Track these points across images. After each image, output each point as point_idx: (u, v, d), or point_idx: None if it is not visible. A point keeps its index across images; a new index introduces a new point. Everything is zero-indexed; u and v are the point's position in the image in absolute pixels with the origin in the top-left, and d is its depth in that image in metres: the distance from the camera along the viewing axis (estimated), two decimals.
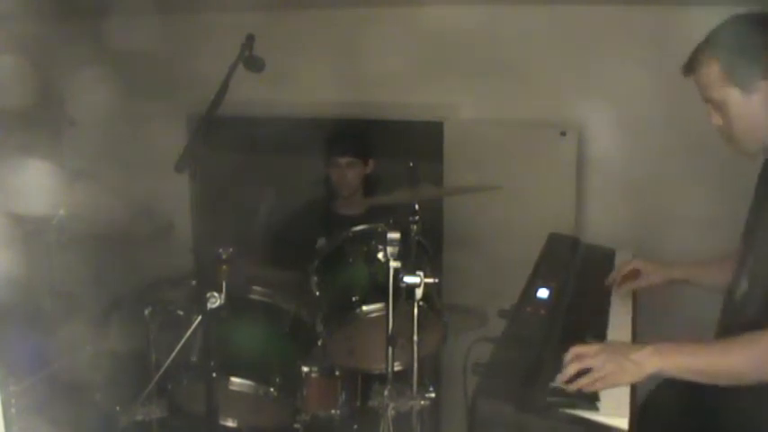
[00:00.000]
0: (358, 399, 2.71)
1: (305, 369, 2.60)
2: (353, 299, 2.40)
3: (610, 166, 3.33)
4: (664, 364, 1.67)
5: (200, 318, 2.28)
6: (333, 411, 2.64)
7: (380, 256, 2.25)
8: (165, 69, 3.80)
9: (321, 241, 2.99)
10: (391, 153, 3.24)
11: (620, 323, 2.05)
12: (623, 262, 2.39)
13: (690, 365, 1.67)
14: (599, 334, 1.95)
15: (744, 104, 1.78)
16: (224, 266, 2.51)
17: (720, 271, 2.10)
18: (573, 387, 1.65)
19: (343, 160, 3.29)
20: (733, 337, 1.69)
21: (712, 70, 1.80)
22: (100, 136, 3.68)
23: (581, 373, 1.67)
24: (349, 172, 3.30)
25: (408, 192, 2.39)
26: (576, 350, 1.73)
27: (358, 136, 3.42)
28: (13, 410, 2.44)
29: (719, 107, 1.83)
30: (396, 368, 2.28)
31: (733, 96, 1.79)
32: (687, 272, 2.30)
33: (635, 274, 2.31)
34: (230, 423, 2.60)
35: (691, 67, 1.87)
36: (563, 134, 3.32)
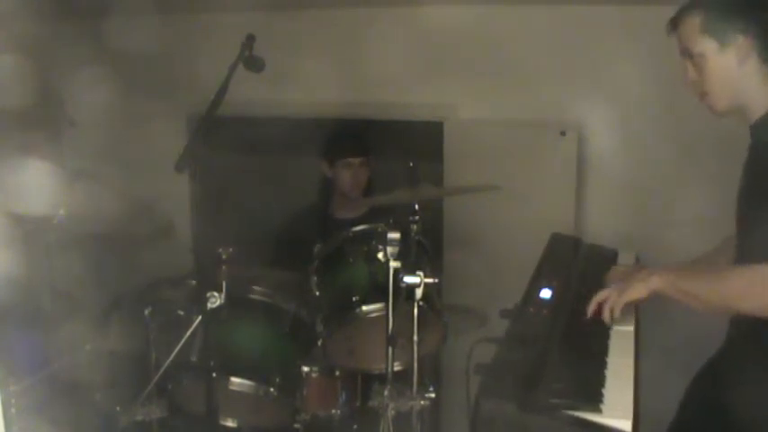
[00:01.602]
0: (358, 399, 2.71)
1: (305, 369, 2.59)
2: (353, 299, 2.40)
3: (610, 166, 3.32)
4: (663, 283, 1.88)
5: (200, 318, 2.28)
6: (333, 411, 2.64)
7: (380, 256, 2.25)
8: (165, 69, 3.80)
9: (319, 247, 2.98)
10: (391, 153, 3.23)
11: (623, 322, 2.05)
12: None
13: (687, 288, 1.85)
14: (602, 334, 1.96)
15: (720, 57, 1.91)
16: (224, 266, 2.51)
17: (716, 262, 2.13)
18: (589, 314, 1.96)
19: (357, 160, 3.28)
20: (730, 267, 1.88)
21: (694, 23, 1.92)
22: (100, 136, 3.68)
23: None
24: (361, 171, 3.30)
25: (408, 192, 2.38)
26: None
27: (364, 135, 3.43)
28: (13, 410, 2.43)
29: (697, 61, 1.94)
30: (396, 368, 2.28)
31: (710, 48, 1.91)
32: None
33: None
34: (230, 423, 2.60)
35: (675, 22, 1.99)
36: (563, 134, 3.32)
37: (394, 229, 2.21)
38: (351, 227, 2.52)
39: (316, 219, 3.37)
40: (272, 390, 2.52)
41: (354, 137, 3.39)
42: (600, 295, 1.99)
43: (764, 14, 1.89)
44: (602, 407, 1.59)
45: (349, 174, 3.29)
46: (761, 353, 1.86)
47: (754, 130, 1.95)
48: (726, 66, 1.90)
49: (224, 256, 2.52)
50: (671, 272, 1.91)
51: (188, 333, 2.40)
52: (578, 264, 2.48)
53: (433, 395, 2.28)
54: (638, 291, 1.92)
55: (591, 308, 1.99)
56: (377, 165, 3.39)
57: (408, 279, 2.14)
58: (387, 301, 2.20)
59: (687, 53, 1.96)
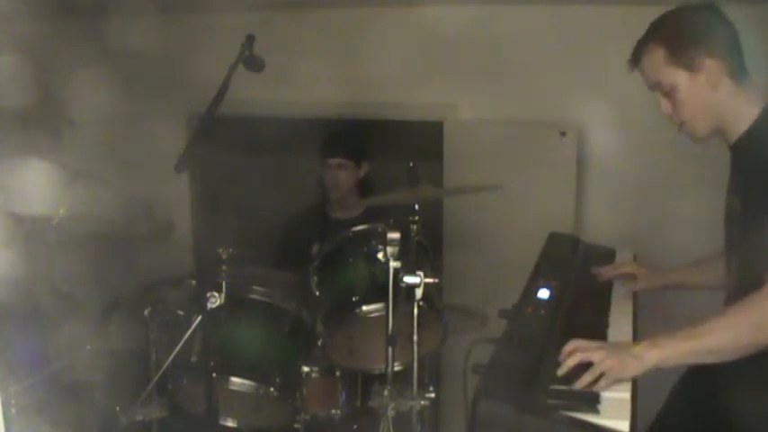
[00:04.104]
0: (358, 399, 2.71)
1: (305, 369, 2.60)
2: (353, 299, 2.40)
3: (610, 166, 3.33)
4: (662, 354, 1.67)
5: (200, 318, 2.28)
6: (333, 411, 2.64)
7: (380, 256, 2.24)
8: (165, 69, 3.80)
9: (316, 247, 2.98)
10: (391, 153, 3.23)
11: (620, 323, 2.05)
12: (621, 262, 2.41)
13: (687, 350, 1.69)
14: (599, 334, 1.95)
15: (691, 85, 1.87)
16: (224, 266, 2.51)
17: (713, 268, 2.12)
18: (577, 385, 1.66)
19: (334, 161, 3.25)
20: (719, 314, 1.72)
21: (659, 55, 1.89)
22: (100, 136, 3.68)
23: (580, 369, 1.68)
24: (340, 174, 3.26)
25: (408, 192, 2.39)
26: (574, 343, 1.74)
27: (350, 137, 3.39)
28: (13, 410, 2.44)
29: (668, 92, 1.90)
30: (396, 368, 2.28)
31: (680, 78, 1.87)
32: (682, 276, 2.34)
33: (630, 276, 2.33)
34: (230, 423, 2.60)
35: (636, 58, 1.95)
36: (563, 134, 3.33)
37: (394, 229, 2.21)
38: (348, 227, 2.52)
39: (314, 219, 3.36)
40: (272, 390, 2.52)
41: (334, 138, 3.35)
42: (583, 359, 1.71)
43: (726, 32, 1.86)
44: (600, 408, 1.59)
45: (329, 175, 3.27)
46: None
47: (735, 151, 1.92)
48: (699, 92, 1.86)
49: (224, 256, 2.52)
50: (667, 338, 1.70)
51: (188, 333, 2.41)
52: (576, 263, 2.48)
53: (432, 395, 2.28)
54: (631, 370, 1.68)
55: (567, 365, 1.71)
56: (376, 165, 3.39)
57: (408, 279, 2.13)
58: (387, 301, 2.20)
59: (657, 87, 1.93)
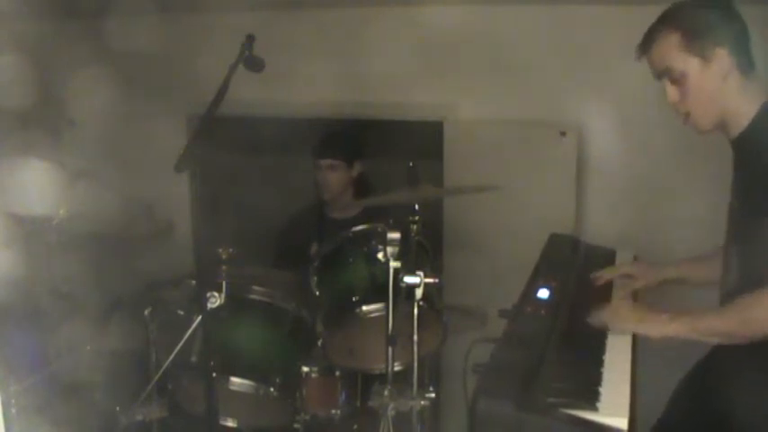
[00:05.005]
0: (358, 399, 2.71)
1: (305, 369, 2.60)
2: (353, 299, 2.40)
3: (610, 166, 3.32)
4: (680, 328, 1.83)
5: (200, 318, 2.28)
6: (333, 411, 2.64)
7: (380, 256, 2.24)
8: (165, 69, 3.80)
9: (314, 247, 2.97)
10: (391, 153, 3.23)
11: None
12: (619, 264, 2.41)
13: (700, 329, 1.83)
14: (599, 333, 1.96)
15: (703, 74, 1.86)
16: (224, 266, 2.51)
17: (712, 265, 2.13)
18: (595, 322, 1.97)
19: (324, 162, 3.24)
20: (740, 299, 1.79)
21: (672, 41, 1.88)
22: (100, 136, 3.68)
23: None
24: (330, 174, 3.24)
25: (408, 192, 2.38)
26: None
27: (339, 138, 3.37)
28: (13, 410, 2.44)
29: (677, 80, 1.89)
30: (396, 368, 2.28)
31: (693, 65, 1.86)
32: (679, 271, 2.34)
33: (629, 276, 2.33)
34: (230, 423, 2.60)
35: (647, 44, 1.94)
36: (563, 134, 3.33)
37: (394, 229, 2.21)
38: (346, 227, 2.52)
39: (312, 219, 3.36)
40: (272, 390, 2.52)
41: (324, 139, 3.32)
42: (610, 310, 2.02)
43: (737, 27, 1.87)
44: (599, 405, 1.59)
45: (320, 176, 3.26)
46: (748, 355, 1.85)
47: (737, 145, 1.91)
48: (709, 82, 1.86)
49: (224, 256, 2.52)
50: (687, 314, 1.87)
51: (188, 333, 2.41)
52: (576, 264, 2.48)
53: (432, 395, 2.28)
54: (653, 331, 1.90)
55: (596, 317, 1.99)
56: (376, 165, 3.39)
57: (408, 279, 2.13)
58: (387, 301, 2.20)
59: (665, 74, 1.91)
